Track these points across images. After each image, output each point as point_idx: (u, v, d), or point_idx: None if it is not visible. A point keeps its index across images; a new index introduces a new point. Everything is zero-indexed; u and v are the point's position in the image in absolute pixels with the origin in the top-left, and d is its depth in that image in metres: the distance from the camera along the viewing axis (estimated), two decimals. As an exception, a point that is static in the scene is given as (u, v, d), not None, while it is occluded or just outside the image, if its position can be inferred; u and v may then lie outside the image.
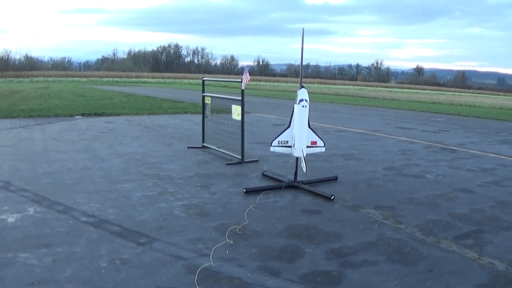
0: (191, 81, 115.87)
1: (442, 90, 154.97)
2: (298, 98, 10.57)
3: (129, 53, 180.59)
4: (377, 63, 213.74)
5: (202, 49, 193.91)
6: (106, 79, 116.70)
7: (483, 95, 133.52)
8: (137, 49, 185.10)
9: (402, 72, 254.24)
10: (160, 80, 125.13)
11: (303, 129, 10.61)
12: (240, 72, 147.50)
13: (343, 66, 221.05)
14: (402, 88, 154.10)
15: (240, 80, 13.19)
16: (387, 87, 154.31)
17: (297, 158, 10.93)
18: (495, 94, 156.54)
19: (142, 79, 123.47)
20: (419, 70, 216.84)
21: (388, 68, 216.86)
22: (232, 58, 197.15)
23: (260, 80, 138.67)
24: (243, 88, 13.27)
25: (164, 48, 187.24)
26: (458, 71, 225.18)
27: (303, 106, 10.51)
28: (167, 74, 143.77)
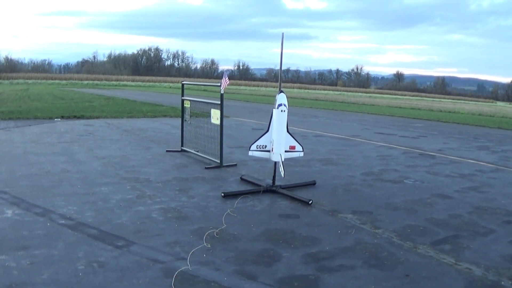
0: (171, 84, 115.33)
1: (422, 96, 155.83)
2: (277, 103, 10.60)
3: (109, 56, 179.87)
4: (357, 69, 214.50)
5: (183, 53, 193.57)
6: (86, 82, 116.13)
7: (463, 101, 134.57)
8: (117, 52, 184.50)
9: (382, 77, 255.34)
10: (140, 83, 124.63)
11: (281, 134, 10.64)
12: (220, 76, 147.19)
13: (323, 71, 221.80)
14: (382, 93, 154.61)
15: (219, 84, 13.20)
16: (367, 92, 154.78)
17: (275, 162, 10.95)
18: (474, 101, 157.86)
19: (122, 82, 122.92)
20: (399, 76, 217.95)
21: (368, 74, 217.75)
22: (213, 62, 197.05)
23: (240, 85, 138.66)
24: (222, 92, 13.28)
25: (144, 51, 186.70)
26: (438, 77, 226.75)
27: (281, 111, 10.54)
28: (147, 78, 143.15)
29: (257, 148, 10.91)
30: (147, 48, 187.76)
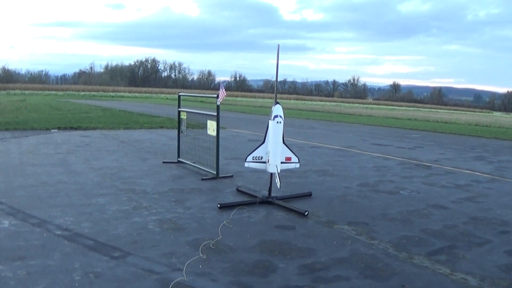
0: (168, 96, 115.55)
1: (418, 107, 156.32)
2: (273, 114, 10.63)
3: (106, 67, 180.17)
4: (354, 80, 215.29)
5: (179, 64, 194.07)
6: (83, 93, 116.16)
7: (459, 112, 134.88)
8: (114, 63, 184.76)
9: (379, 88, 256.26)
10: (137, 94, 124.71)
11: (277, 145, 10.66)
12: (216, 87, 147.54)
13: (320, 82, 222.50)
14: (378, 104, 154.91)
15: (216, 95, 13.24)
16: (363, 103, 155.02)
17: (271, 174, 10.97)
18: (471, 111, 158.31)
19: (119, 93, 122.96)
20: (395, 87, 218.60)
21: (364, 85, 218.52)
22: (209, 73, 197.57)
23: (236, 96, 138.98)
24: (218, 103, 13.32)
25: (141, 62, 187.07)
26: (434, 88, 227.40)
27: (277, 122, 10.57)
28: (144, 89, 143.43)
29: (253, 159, 10.93)
30: (144, 59, 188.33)
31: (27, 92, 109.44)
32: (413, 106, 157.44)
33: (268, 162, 10.75)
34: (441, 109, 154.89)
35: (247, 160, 11.01)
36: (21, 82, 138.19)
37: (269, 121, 10.71)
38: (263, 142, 10.91)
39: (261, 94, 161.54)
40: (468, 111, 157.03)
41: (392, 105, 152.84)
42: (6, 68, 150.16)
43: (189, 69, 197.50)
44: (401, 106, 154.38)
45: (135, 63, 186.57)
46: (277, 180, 10.58)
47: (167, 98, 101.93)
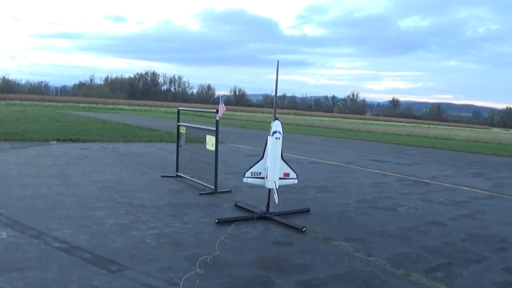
0: (167, 109, 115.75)
1: (417, 123, 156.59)
2: (272, 130, 10.65)
3: (106, 79, 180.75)
4: (353, 95, 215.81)
5: (179, 78, 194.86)
6: (82, 105, 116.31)
7: (458, 128, 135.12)
8: (114, 76, 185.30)
9: (378, 104, 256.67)
10: (137, 107, 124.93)
11: (276, 161, 10.68)
12: (216, 101, 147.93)
13: (319, 98, 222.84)
14: (377, 120, 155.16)
15: (215, 110, 13.26)
16: (362, 119, 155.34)
17: (269, 189, 10.98)
18: (470, 127, 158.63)
19: (118, 106, 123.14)
20: (395, 103, 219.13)
21: (364, 100, 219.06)
22: (209, 87, 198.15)
23: (236, 110, 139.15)
24: (217, 118, 13.34)
25: (141, 75, 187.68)
26: (433, 104, 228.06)
27: (276, 138, 10.58)
28: (143, 102, 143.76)
29: (251, 175, 10.94)
30: (144, 72, 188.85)
31: (26, 102, 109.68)
32: (412, 122, 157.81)
33: (266, 177, 10.76)
34: (440, 125, 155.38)
35: (245, 176, 11.02)
36: (21, 93, 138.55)
37: (268, 137, 10.72)
38: (262, 157, 10.92)
39: (260, 109, 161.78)
40: (467, 127, 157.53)
41: (391, 121, 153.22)
42: (6, 78, 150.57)
43: (188, 83, 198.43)
44: (400, 122, 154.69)
45: (135, 76, 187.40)
46: (276, 196, 10.59)
47: (166, 112, 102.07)
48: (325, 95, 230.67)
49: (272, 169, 10.66)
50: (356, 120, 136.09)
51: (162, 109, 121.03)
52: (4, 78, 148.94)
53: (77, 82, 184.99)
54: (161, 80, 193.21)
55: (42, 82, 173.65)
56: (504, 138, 66.71)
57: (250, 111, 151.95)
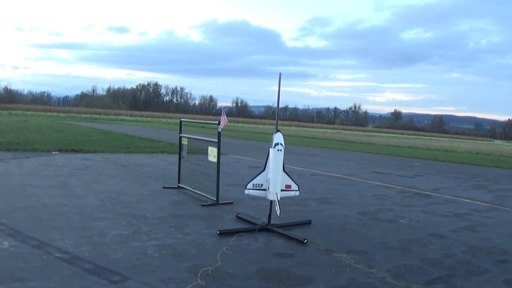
0: (169, 120, 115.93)
1: (419, 135, 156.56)
2: (274, 142, 10.68)
3: (108, 90, 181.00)
4: (355, 107, 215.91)
5: (181, 89, 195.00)
6: (84, 115, 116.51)
7: (460, 140, 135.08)
8: (116, 87, 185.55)
9: (380, 116, 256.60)
10: (139, 118, 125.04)
11: (278, 173, 10.69)
12: (218, 112, 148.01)
13: (321, 110, 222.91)
14: (379, 132, 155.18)
15: (217, 122, 13.29)
16: (364, 131, 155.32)
17: (271, 201, 10.99)
18: (472, 139, 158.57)
19: (120, 117, 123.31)
20: (396, 115, 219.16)
21: (366, 112, 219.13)
22: (211, 98, 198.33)
23: (238, 122, 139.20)
24: (220, 130, 13.36)
25: (143, 86, 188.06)
26: (435, 116, 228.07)
27: (278, 150, 10.60)
28: (145, 113, 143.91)
29: (253, 186, 10.95)
30: (146, 83, 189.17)
31: (28, 113, 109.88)
32: (414, 134, 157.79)
33: (268, 189, 10.78)
34: (441, 137, 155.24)
35: (247, 188, 11.03)
36: (23, 103, 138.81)
37: (270, 148, 10.75)
38: (264, 169, 10.94)
39: (262, 120, 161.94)
40: (469, 139, 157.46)
41: (393, 133, 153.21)
42: (9, 88, 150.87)
43: (190, 94, 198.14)
44: (402, 134, 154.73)
45: (137, 87, 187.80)
46: (277, 207, 10.60)
47: (168, 123, 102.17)
48: (327, 107, 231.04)
49: (274, 181, 10.67)
50: (358, 132, 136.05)
51: (164, 120, 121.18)
52: (6, 88, 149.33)
53: (79, 92, 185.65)
54: (163, 91, 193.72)
55: (44, 92, 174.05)
56: (506, 150, 66.66)
57: (252, 122, 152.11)
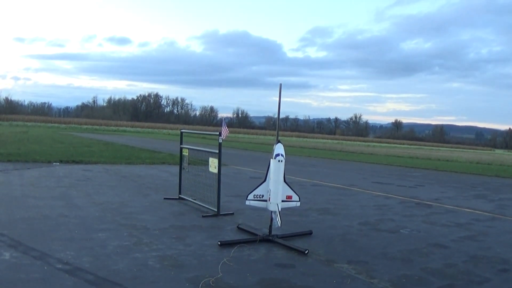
0: (170, 131, 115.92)
1: (420, 145, 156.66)
2: (274, 153, 10.69)
3: (109, 101, 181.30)
4: (355, 118, 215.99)
5: (182, 100, 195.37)
6: (85, 126, 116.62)
7: (461, 150, 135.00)
8: (117, 98, 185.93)
9: (381, 126, 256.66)
10: (139, 129, 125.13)
11: (278, 184, 10.70)
12: (219, 123, 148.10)
13: (322, 120, 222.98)
14: (380, 142, 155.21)
15: (218, 132, 13.31)
16: (365, 141, 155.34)
17: (272, 212, 10.98)
18: (473, 149, 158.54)
19: (121, 128, 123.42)
20: (397, 125, 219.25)
21: (366, 122, 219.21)
22: (212, 109, 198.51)
23: (238, 132, 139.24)
24: (220, 141, 13.38)
25: (144, 97, 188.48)
26: (436, 126, 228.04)
27: (279, 161, 10.61)
28: (146, 124, 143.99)
29: (254, 197, 10.95)
30: (146, 94, 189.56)
31: (29, 123, 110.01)
32: (415, 144, 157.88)
33: (269, 200, 10.78)
34: (442, 147, 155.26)
35: (248, 198, 11.03)
36: (24, 114, 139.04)
37: (271, 159, 10.75)
38: (264, 180, 10.95)
39: (263, 131, 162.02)
40: (469, 148, 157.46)
41: (393, 143, 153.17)
42: (9, 99, 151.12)
43: (191, 105, 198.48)
44: (403, 144, 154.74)
45: (137, 97, 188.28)
46: (278, 218, 10.60)
47: (169, 134, 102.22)
48: (327, 117, 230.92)
49: (275, 192, 10.68)
50: (358, 143, 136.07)
51: (164, 131, 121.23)
52: (7, 99, 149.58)
53: (80, 103, 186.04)
54: (164, 102, 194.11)
55: (45, 103, 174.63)
56: (507, 159, 66.70)
57: (252, 133, 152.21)
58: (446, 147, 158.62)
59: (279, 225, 10.67)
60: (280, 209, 10.72)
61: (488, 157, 74.00)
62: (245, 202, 11.23)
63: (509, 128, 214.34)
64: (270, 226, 11.13)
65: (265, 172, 11.05)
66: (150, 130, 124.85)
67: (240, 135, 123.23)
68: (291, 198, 11.15)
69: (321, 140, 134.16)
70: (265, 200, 10.91)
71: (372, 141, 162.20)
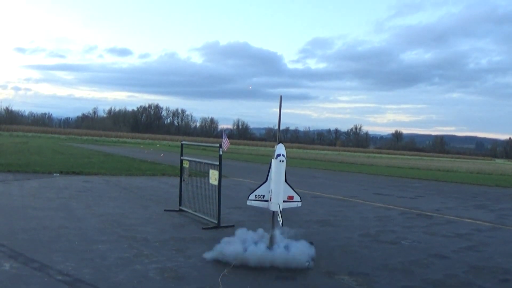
0: (170, 143, 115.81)
1: (420, 156, 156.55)
2: (276, 153, 10.69)
3: (109, 112, 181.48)
4: (356, 129, 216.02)
5: (182, 111, 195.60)
6: (85, 137, 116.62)
7: (461, 160, 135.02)
8: (117, 109, 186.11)
9: (381, 137, 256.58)
10: (140, 140, 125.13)
11: (280, 184, 10.68)
12: (219, 134, 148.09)
13: (322, 131, 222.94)
14: (380, 153, 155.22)
15: (219, 144, 13.31)
16: (365, 152, 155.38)
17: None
18: (473, 159, 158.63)
19: (121, 139, 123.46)
20: (397, 135, 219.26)
21: (367, 133, 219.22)
22: (212, 121, 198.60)
23: (239, 144, 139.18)
24: (221, 153, 13.38)
25: (144, 108, 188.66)
26: (436, 136, 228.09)
27: (280, 161, 10.61)
28: (146, 135, 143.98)
29: (255, 197, 10.93)
30: (147, 106, 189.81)
31: (29, 134, 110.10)
32: (415, 155, 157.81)
33: (270, 200, 10.76)
34: (443, 157, 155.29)
35: (249, 199, 11.01)
36: (24, 124, 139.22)
37: (272, 160, 10.76)
38: (266, 180, 10.94)
39: (263, 143, 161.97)
40: (470, 159, 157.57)
41: (394, 154, 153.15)
42: (10, 109, 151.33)
43: (191, 116, 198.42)
44: (403, 155, 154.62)
45: (138, 109, 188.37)
46: (279, 218, 10.57)
47: (169, 145, 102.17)
48: (328, 128, 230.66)
49: (276, 192, 10.66)
50: (359, 154, 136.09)
51: (165, 142, 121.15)
52: (7, 109, 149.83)
53: (80, 114, 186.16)
54: (164, 113, 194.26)
55: (45, 114, 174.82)
56: (507, 169, 66.69)
57: (253, 144, 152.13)
58: (447, 157, 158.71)
59: (281, 224, 10.64)
60: (281, 209, 10.70)
61: (488, 167, 74.06)
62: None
63: (509, 138, 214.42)
64: (271, 238, 11.09)
65: (267, 173, 11.05)
66: (150, 141, 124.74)
67: (241, 147, 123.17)
68: (293, 199, 11.13)
69: (322, 152, 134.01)
70: (266, 201, 10.89)
71: (373, 152, 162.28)
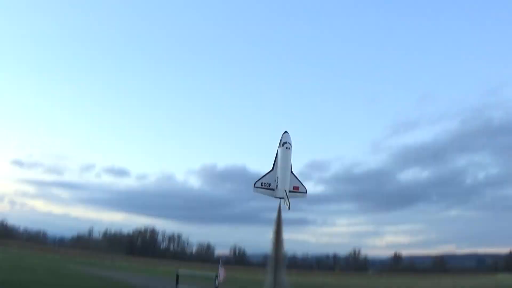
0: (164, 270, 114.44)
1: (420, 277, 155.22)
2: (282, 141, 10.35)
3: (104, 233, 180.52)
4: (355, 253, 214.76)
5: (178, 236, 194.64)
6: (80, 260, 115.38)
7: (462, 278, 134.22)
8: (113, 230, 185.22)
9: (380, 260, 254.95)
10: (135, 266, 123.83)
11: (286, 171, 10.26)
12: (215, 260, 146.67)
13: (320, 256, 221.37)
14: (380, 277, 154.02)
15: (215, 275, 12.74)
16: (364, 276, 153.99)
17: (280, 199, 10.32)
18: (474, 276, 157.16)
19: (117, 263, 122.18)
20: (397, 258, 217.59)
21: (366, 257, 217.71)
22: (208, 246, 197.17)
23: (235, 271, 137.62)
24: (216, 284, 12.79)
25: (140, 232, 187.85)
26: (436, 257, 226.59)
27: (286, 148, 10.23)
28: (142, 259, 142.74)
29: (261, 185, 10.44)
30: (143, 229, 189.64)
31: (23, 251, 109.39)
32: (415, 276, 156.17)
33: (276, 188, 10.28)
34: (443, 276, 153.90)
35: (255, 186, 10.53)
36: (19, 239, 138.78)
37: (278, 148, 10.37)
38: (272, 169, 10.50)
39: (261, 268, 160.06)
40: (471, 277, 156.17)
41: (394, 276, 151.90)
42: (5, 223, 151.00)
43: (188, 241, 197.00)
44: (403, 276, 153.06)
45: (133, 232, 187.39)
46: (286, 202, 10.05)
47: (165, 272, 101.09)
48: (326, 253, 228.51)
49: (282, 179, 10.20)
50: (358, 279, 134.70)
51: (161, 268, 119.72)
52: (2, 223, 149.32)
53: (75, 233, 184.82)
54: (160, 237, 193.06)
55: (40, 231, 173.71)
56: (508, 285, 65.66)
57: (250, 270, 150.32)
58: (447, 276, 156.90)
59: (288, 208, 10.09)
60: (287, 193, 10.18)
61: (489, 281, 73.44)
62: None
63: (510, 251, 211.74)
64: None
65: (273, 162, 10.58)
66: (145, 268, 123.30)
67: (238, 274, 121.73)
68: (298, 189, 10.69)
69: (319, 278, 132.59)
70: (272, 189, 10.41)
71: (372, 277, 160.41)
